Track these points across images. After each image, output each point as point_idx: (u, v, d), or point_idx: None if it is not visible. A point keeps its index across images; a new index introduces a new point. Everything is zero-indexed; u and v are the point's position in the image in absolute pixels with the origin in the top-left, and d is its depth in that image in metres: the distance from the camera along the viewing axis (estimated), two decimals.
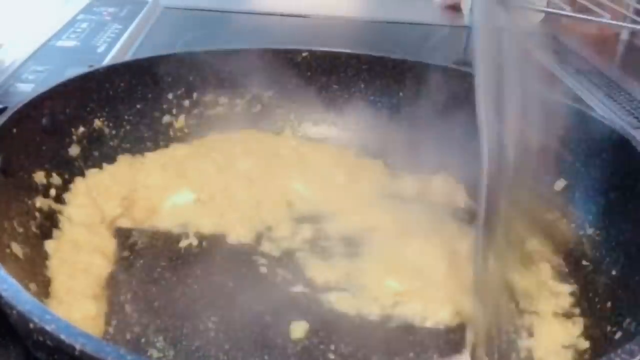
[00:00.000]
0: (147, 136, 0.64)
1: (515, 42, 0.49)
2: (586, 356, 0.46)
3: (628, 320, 0.45)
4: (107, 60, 0.86)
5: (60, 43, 0.92)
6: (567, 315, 0.50)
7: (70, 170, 0.56)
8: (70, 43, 0.92)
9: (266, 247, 0.55)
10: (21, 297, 0.33)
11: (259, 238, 0.56)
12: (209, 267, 0.53)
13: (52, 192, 0.53)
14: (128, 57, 0.88)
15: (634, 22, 1.00)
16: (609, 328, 0.46)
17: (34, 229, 0.49)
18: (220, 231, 0.56)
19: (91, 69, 0.62)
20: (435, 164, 0.65)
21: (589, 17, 0.99)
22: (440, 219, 0.59)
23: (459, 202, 0.63)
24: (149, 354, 0.43)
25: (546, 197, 0.59)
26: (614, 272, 0.50)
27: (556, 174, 0.59)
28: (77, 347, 0.30)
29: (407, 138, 0.68)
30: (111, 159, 0.60)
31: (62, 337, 0.30)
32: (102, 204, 0.56)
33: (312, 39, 0.98)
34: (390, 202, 0.61)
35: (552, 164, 0.60)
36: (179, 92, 0.66)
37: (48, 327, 0.31)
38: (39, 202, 0.51)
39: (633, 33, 1.12)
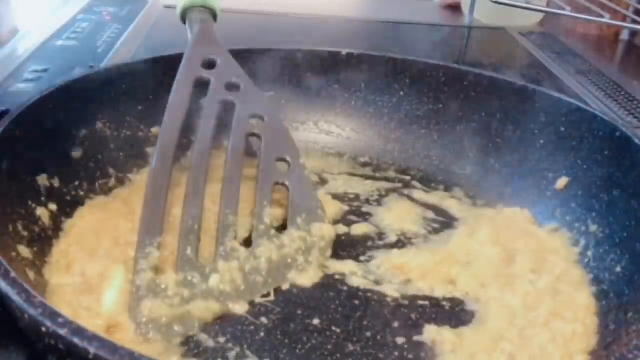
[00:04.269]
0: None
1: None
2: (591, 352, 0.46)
3: (630, 314, 0.45)
4: (107, 60, 0.86)
5: (60, 43, 0.92)
6: None
7: (74, 174, 0.56)
8: (70, 43, 0.92)
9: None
10: (32, 301, 0.33)
11: None
12: None
13: (56, 194, 0.52)
14: (128, 57, 0.88)
15: (634, 22, 1.00)
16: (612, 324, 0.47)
17: (38, 232, 0.49)
18: None
19: (93, 70, 0.62)
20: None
21: (589, 17, 0.99)
22: None
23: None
24: None
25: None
26: (618, 269, 0.50)
27: (558, 171, 0.60)
28: (92, 350, 0.30)
29: (410, 138, 0.69)
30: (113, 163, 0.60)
31: (76, 340, 0.30)
32: None
33: (312, 39, 0.98)
34: None
35: (553, 161, 0.60)
36: None
37: (61, 331, 0.31)
38: (43, 205, 0.51)
39: (633, 33, 1.12)
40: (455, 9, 1.26)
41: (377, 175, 0.67)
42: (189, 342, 0.45)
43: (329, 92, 0.72)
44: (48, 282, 0.47)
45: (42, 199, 0.51)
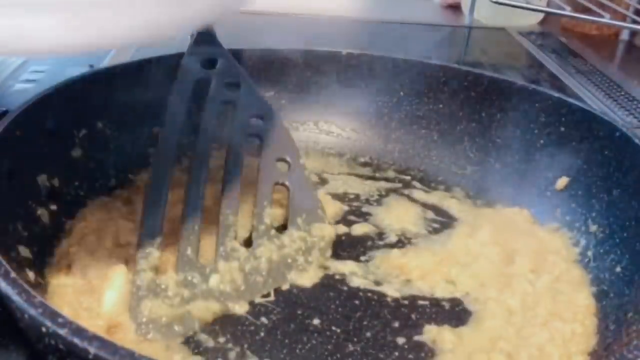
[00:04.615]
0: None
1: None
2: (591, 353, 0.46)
3: (630, 314, 0.45)
4: (107, 60, 0.86)
5: None
6: None
7: (74, 173, 0.56)
8: None
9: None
10: (32, 301, 0.33)
11: None
12: None
13: (56, 194, 0.52)
14: (128, 57, 0.88)
15: (634, 22, 1.00)
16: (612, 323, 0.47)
17: (38, 232, 0.49)
18: None
19: (93, 70, 0.62)
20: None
21: (589, 17, 0.99)
22: None
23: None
24: None
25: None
26: (618, 269, 0.50)
27: (558, 171, 0.60)
28: (92, 350, 0.30)
29: (410, 138, 0.69)
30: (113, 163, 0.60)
31: (76, 340, 0.30)
32: None
33: (312, 39, 0.98)
34: None
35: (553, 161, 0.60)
36: None
37: (61, 331, 0.31)
38: (43, 205, 0.50)
39: (633, 33, 1.12)
40: (455, 9, 1.27)
41: (377, 175, 0.67)
42: (189, 342, 0.45)
43: (329, 92, 0.72)
44: (48, 282, 0.47)
45: (42, 199, 0.51)
